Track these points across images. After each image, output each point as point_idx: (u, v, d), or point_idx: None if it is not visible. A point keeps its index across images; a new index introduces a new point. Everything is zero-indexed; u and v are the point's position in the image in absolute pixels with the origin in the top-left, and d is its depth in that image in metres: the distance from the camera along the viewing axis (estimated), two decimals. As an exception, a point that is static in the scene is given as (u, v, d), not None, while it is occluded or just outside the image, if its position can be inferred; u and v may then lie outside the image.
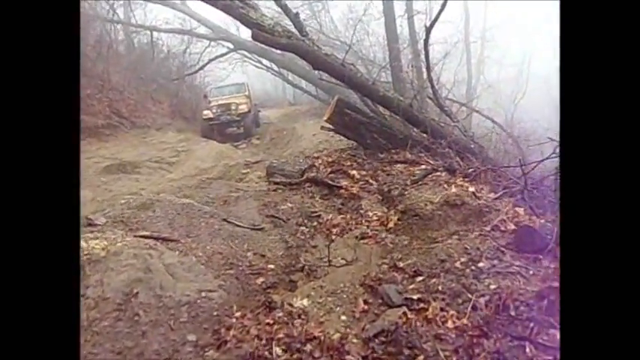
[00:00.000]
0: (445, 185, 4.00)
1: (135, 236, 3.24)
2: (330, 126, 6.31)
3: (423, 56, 6.86)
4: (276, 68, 18.08)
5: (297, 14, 5.94)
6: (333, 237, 3.77)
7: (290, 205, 4.47)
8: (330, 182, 5.05)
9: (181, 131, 12.40)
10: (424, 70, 7.14)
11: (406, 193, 4.18)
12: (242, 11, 5.26)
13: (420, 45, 7.70)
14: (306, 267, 3.24)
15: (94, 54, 12.93)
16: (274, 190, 5.30)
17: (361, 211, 4.21)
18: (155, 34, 17.32)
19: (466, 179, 4.11)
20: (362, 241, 3.53)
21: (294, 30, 5.89)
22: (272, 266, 3.22)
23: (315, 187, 5.23)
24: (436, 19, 5.85)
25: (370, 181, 5.01)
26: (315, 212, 4.37)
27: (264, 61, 17.92)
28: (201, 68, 16.44)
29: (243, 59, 18.28)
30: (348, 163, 5.64)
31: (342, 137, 6.88)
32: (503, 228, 2.97)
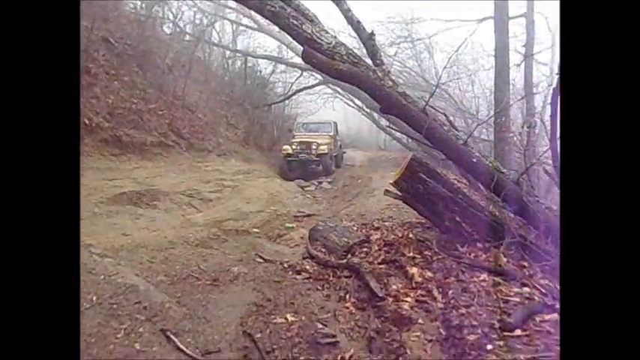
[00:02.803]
0: None
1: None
2: (397, 192, 4.57)
3: (542, 114, 4.91)
4: (367, 109, 16.78)
5: (371, 34, 4.26)
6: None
7: (293, 317, 2.80)
8: (374, 286, 3.31)
9: (248, 161, 11.47)
10: (543, 132, 5.15)
11: (488, 349, 2.34)
12: (292, 22, 3.78)
13: (539, 100, 5.74)
14: None
15: (182, 71, 12.81)
16: (298, 273, 3.80)
17: (402, 361, 2.42)
18: (259, 61, 17.20)
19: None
20: None
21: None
22: None
23: (356, 280, 3.59)
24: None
25: (434, 293, 3.18)
26: (327, 338, 2.67)
27: (357, 101, 16.75)
28: (287, 98, 15.79)
29: (334, 95, 17.30)
30: (410, 254, 3.85)
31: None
32: None
